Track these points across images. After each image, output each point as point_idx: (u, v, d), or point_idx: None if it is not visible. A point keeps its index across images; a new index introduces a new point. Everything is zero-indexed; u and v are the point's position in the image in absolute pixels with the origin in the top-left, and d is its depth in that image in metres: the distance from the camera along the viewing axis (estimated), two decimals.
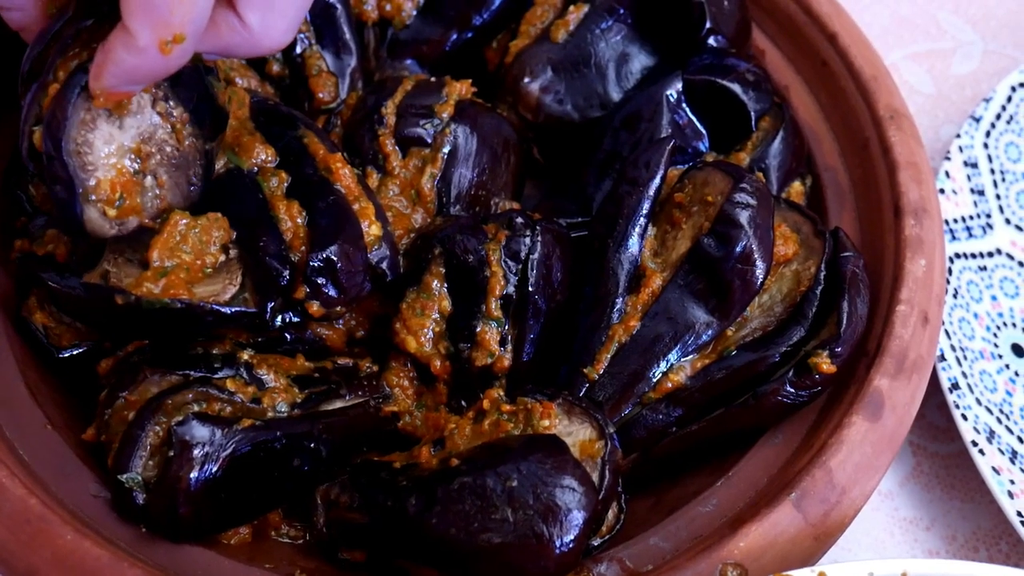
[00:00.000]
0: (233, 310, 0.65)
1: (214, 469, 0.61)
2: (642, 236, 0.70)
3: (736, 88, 0.77)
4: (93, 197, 0.63)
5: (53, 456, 0.65)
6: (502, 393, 0.67)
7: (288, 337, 0.71)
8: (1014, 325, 0.83)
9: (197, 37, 0.60)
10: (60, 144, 0.61)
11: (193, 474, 0.61)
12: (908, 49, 1.03)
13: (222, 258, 0.66)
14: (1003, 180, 0.88)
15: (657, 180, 0.71)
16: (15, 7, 0.65)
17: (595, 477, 0.62)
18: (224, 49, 0.64)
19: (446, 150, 0.75)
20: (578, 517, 0.59)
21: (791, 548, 0.62)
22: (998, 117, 0.89)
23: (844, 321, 0.66)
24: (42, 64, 0.63)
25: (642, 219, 0.70)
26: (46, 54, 0.64)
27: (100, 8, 0.63)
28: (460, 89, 0.77)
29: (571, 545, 0.59)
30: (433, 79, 0.78)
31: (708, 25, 0.79)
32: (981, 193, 0.87)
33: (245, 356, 0.67)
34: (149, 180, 0.65)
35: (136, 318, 0.64)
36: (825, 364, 0.65)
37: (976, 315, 0.82)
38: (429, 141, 0.75)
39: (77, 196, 0.62)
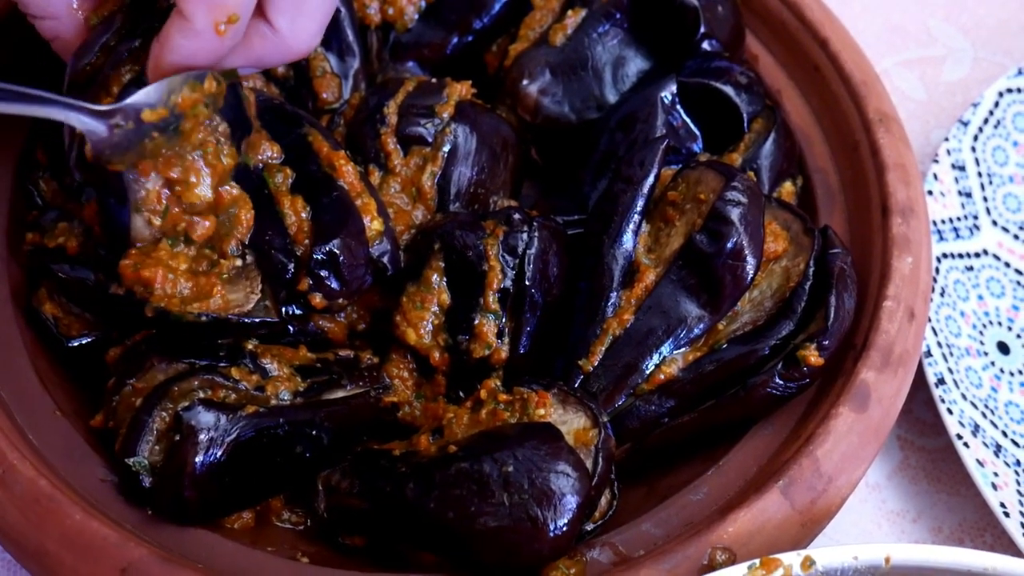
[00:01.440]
0: (258, 320, 0.67)
1: (219, 454, 0.63)
2: (636, 232, 0.72)
3: (729, 91, 0.79)
4: (143, 207, 0.65)
5: (62, 441, 0.66)
6: (499, 383, 0.69)
7: (291, 329, 0.72)
8: (1000, 323, 0.85)
9: (248, 18, 0.63)
10: None
11: (198, 458, 0.63)
12: (900, 56, 1.05)
13: (238, 263, 0.68)
14: (990, 183, 0.90)
15: (651, 178, 0.73)
16: (49, 16, 0.67)
17: (589, 464, 0.64)
18: (257, 59, 0.66)
19: (446, 149, 0.76)
20: (572, 501, 0.61)
21: (778, 534, 0.64)
22: (985, 121, 0.91)
23: (832, 315, 0.68)
24: (88, 76, 0.65)
25: (636, 216, 0.72)
26: (96, 66, 0.65)
27: (151, 20, 0.65)
28: (460, 90, 0.79)
29: (565, 528, 0.60)
30: (434, 80, 0.80)
31: (702, 30, 0.81)
32: (968, 195, 0.89)
33: (249, 346, 0.69)
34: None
35: (161, 326, 0.66)
36: (813, 357, 0.67)
37: (963, 313, 0.84)
38: (430, 140, 0.76)
39: (128, 206, 0.65)
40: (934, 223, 0.85)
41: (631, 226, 0.72)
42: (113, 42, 0.66)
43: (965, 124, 0.91)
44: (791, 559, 0.59)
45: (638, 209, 0.72)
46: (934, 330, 0.80)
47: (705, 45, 0.81)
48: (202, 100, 0.64)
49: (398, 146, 0.77)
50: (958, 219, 0.87)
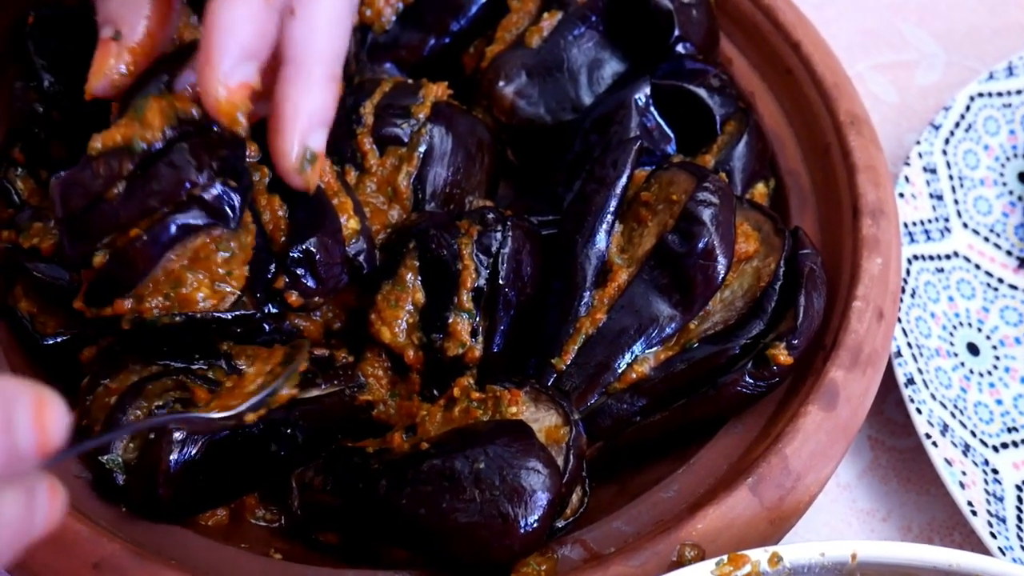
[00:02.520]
0: (233, 314, 0.67)
1: (193, 452, 0.64)
2: (609, 232, 0.73)
3: (702, 93, 0.80)
4: None
5: None
6: (472, 382, 0.69)
7: (267, 328, 0.73)
8: (970, 325, 0.86)
9: None
10: None
11: (173, 456, 0.63)
12: (873, 60, 1.06)
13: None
14: (961, 186, 0.91)
15: (624, 179, 0.74)
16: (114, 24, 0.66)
17: (560, 461, 0.64)
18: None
19: (422, 149, 0.77)
20: (543, 498, 0.61)
21: (747, 530, 0.65)
22: (957, 125, 0.92)
23: (801, 315, 0.69)
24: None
25: (609, 216, 0.73)
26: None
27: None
28: (436, 91, 0.80)
29: (535, 525, 0.61)
30: (411, 81, 0.81)
31: (676, 33, 0.81)
32: (940, 198, 0.90)
33: (224, 346, 0.69)
34: None
35: (137, 331, 0.66)
36: (782, 356, 0.68)
37: (933, 314, 0.85)
38: (406, 140, 0.77)
39: None
40: (905, 225, 0.86)
41: (604, 226, 0.73)
42: None
43: (936, 127, 0.92)
44: (759, 555, 0.60)
45: (611, 209, 0.73)
46: (904, 331, 0.81)
47: (679, 48, 0.82)
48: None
49: (374, 146, 0.77)
50: (929, 221, 0.89)
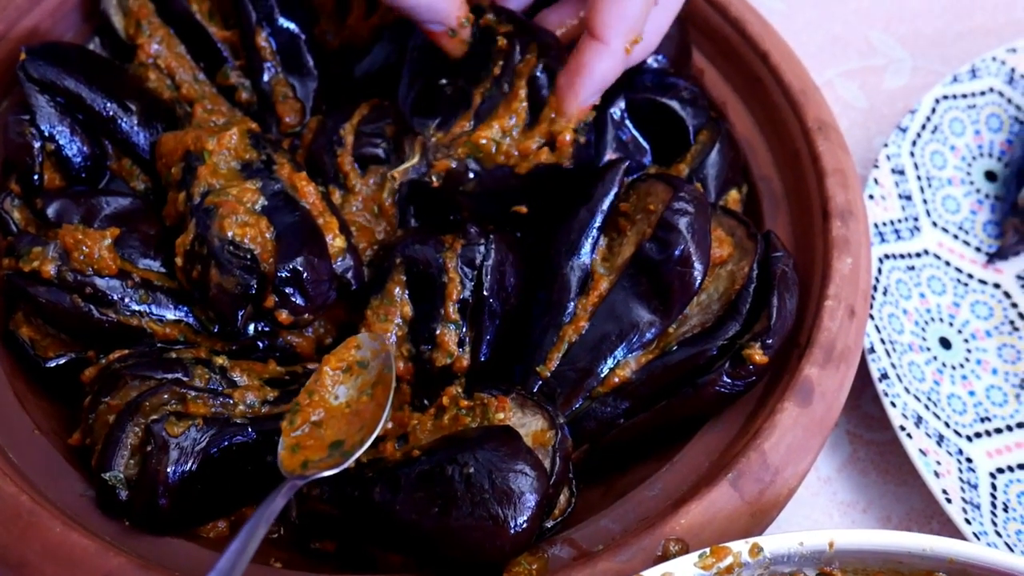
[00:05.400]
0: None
1: (191, 463, 0.66)
2: (594, 247, 0.75)
3: (675, 105, 0.83)
4: None
5: (42, 459, 0.69)
6: (461, 390, 0.72)
7: (260, 345, 0.75)
8: (941, 320, 0.89)
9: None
10: None
11: (171, 468, 0.65)
12: (842, 67, 1.09)
13: None
14: (929, 186, 0.94)
15: (610, 197, 0.76)
16: (438, 21, 0.79)
17: (547, 463, 0.67)
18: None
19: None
20: (531, 499, 0.64)
21: (729, 524, 0.67)
22: (923, 127, 0.95)
23: (774, 315, 0.72)
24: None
25: (595, 232, 0.75)
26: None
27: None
28: None
29: (525, 525, 0.63)
30: (387, 102, 0.83)
31: None
32: (908, 198, 0.93)
33: (220, 361, 0.72)
34: None
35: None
36: (758, 355, 0.71)
37: (905, 311, 0.87)
38: (384, 158, 0.80)
39: None
40: (876, 225, 0.89)
41: (589, 241, 0.75)
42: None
43: (904, 130, 0.95)
44: (740, 546, 0.62)
45: (596, 225, 0.75)
46: (877, 327, 0.84)
47: (651, 61, 0.85)
48: None
49: (355, 166, 0.80)
50: (899, 221, 0.91)
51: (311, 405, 0.68)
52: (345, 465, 0.65)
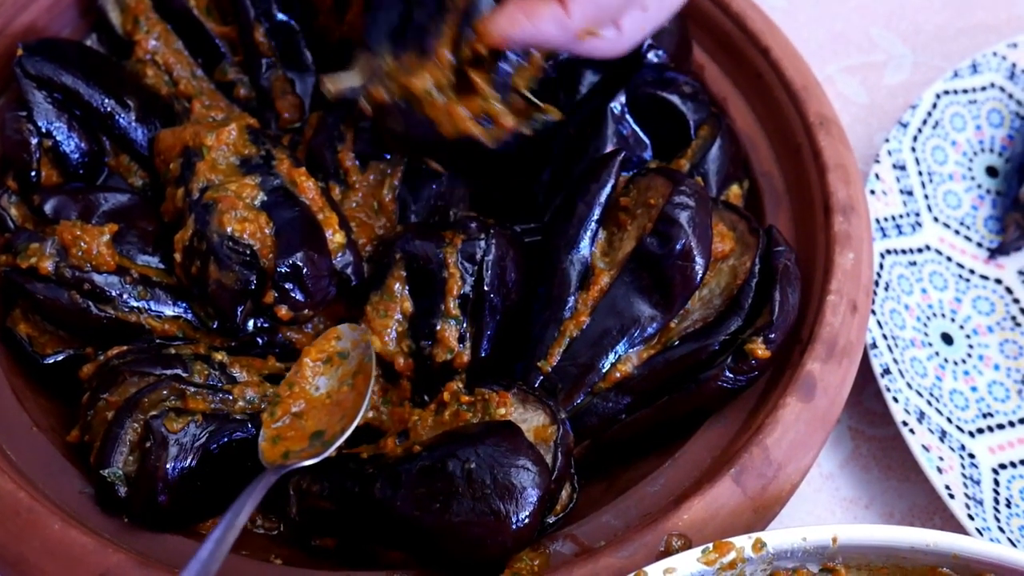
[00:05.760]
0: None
1: (190, 459, 0.66)
2: (592, 241, 0.75)
3: (675, 100, 0.82)
4: None
5: (40, 456, 0.69)
6: (461, 386, 0.71)
7: (259, 341, 0.75)
8: (943, 315, 0.89)
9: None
10: None
11: (170, 464, 0.65)
12: (843, 62, 1.09)
13: None
14: (930, 181, 0.94)
15: (607, 189, 0.76)
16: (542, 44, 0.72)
17: (548, 459, 0.66)
18: (589, 52, 0.73)
19: (405, 161, 0.79)
20: (533, 495, 0.63)
21: (732, 520, 0.67)
22: (924, 122, 0.95)
23: (776, 310, 0.71)
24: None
25: (593, 225, 0.75)
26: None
27: None
28: None
29: (527, 521, 0.63)
30: None
31: (649, 42, 0.84)
32: (910, 193, 0.92)
33: (219, 357, 0.71)
34: None
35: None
36: (760, 349, 0.70)
37: (907, 307, 0.87)
38: (385, 154, 0.79)
39: None
40: (877, 221, 0.89)
41: (588, 234, 0.75)
42: None
43: (904, 125, 0.94)
44: (743, 542, 0.62)
45: (595, 218, 0.75)
46: (879, 323, 0.83)
47: (651, 56, 0.84)
48: None
49: (356, 162, 0.79)
50: (900, 216, 0.91)
51: (292, 396, 0.68)
52: (325, 455, 0.65)
